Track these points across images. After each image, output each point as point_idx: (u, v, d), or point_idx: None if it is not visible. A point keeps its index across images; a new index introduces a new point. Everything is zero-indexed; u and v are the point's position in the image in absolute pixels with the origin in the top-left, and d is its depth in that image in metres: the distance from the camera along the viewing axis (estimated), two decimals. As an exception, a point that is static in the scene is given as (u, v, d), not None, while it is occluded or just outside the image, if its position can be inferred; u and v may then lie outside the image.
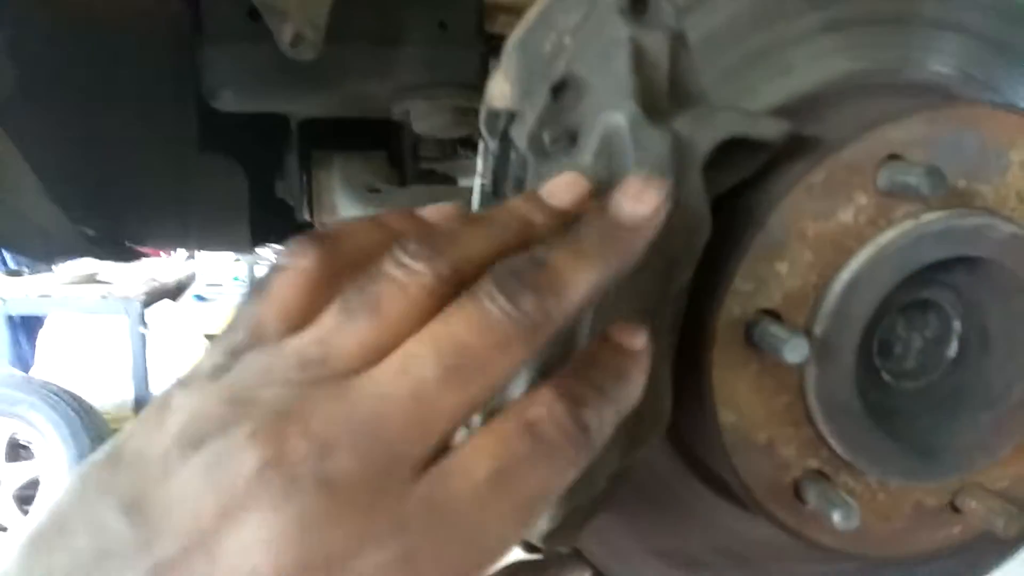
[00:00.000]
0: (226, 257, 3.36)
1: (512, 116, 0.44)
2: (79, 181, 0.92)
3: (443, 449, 0.27)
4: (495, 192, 0.47)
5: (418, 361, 0.26)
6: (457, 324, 0.27)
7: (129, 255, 1.04)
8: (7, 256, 3.89)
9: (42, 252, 0.92)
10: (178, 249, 3.49)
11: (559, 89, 0.40)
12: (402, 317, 0.27)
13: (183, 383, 0.27)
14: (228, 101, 0.83)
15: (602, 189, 0.39)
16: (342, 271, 0.29)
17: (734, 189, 0.42)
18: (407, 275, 0.27)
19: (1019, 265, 0.42)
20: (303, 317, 0.28)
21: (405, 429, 0.25)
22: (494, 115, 0.46)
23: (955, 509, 0.46)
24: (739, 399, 0.42)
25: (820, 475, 0.44)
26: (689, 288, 0.41)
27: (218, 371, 0.26)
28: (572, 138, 0.40)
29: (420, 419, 0.25)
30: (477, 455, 0.26)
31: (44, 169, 0.83)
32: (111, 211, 0.95)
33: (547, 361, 0.41)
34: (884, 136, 0.41)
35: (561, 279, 0.29)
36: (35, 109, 0.85)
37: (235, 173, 0.94)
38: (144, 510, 0.23)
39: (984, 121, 0.42)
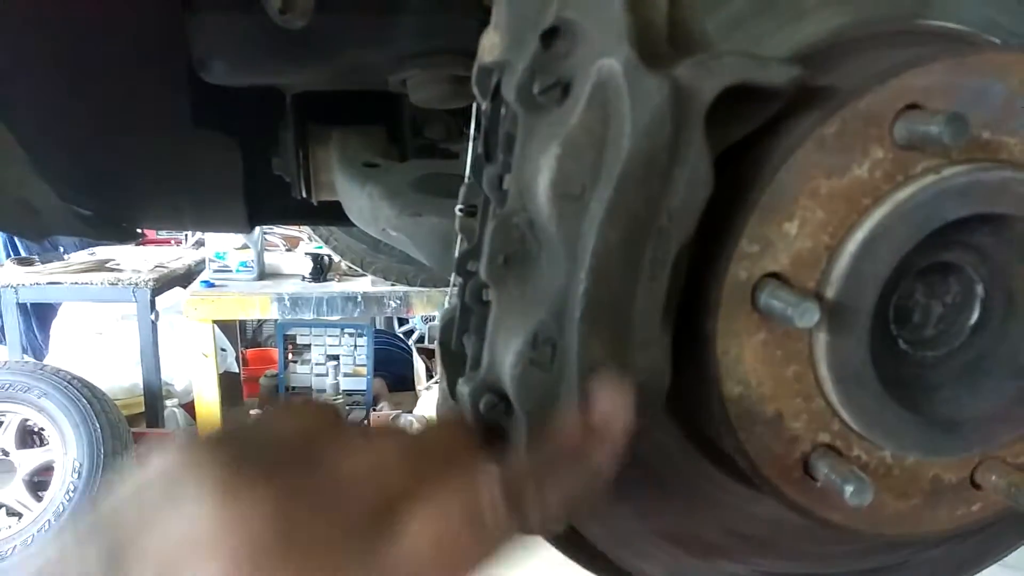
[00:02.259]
0: (234, 242, 3.35)
1: (503, 70, 0.42)
2: (71, 160, 0.90)
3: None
4: (487, 156, 0.45)
5: None
6: None
7: (125, 235, 1.02)
8: (19, 244, 3.90)
9: (31, 229, 0.91)
10: (175, 229, 3.49)
11: (550, 36, 0.38)
12: None
13: None
14: (219, 73, 0.81)
15: (596, 147, 0.36)
16: None
17: (739, 143, 0.39)
18: None
19: (1048, 223, 0.39)
20: None
21: None
22: (485, 71, 0.43)
23: (975, 485, 0.43)
24: (745, 370, 0.40)
25: (831, 450, 0.41)
26: (691, 251, 0.38)
27: None
28: (564, 89, 0.38)
29: None
30: (420, 533, 0.32)
31: (35, 147, 0.81)
32: (104, 190, 0.93)
33: (538, 330, 0.39)
34: (903, 84, 0.38)
35: None
36: (24, 85, 0.83)
37: (230, 150, 0.92)
38: None
39: (1011, 69, 0.39)
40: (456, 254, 0.47)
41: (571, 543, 0.51)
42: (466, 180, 0.49)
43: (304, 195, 0.96)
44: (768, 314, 0.38)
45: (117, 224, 0.97)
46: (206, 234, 3.44)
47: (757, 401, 0.40)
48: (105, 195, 0.92)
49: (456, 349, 0.51)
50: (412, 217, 0.72)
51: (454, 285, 0.48)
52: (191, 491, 0.29)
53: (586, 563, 0.51)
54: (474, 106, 0.45)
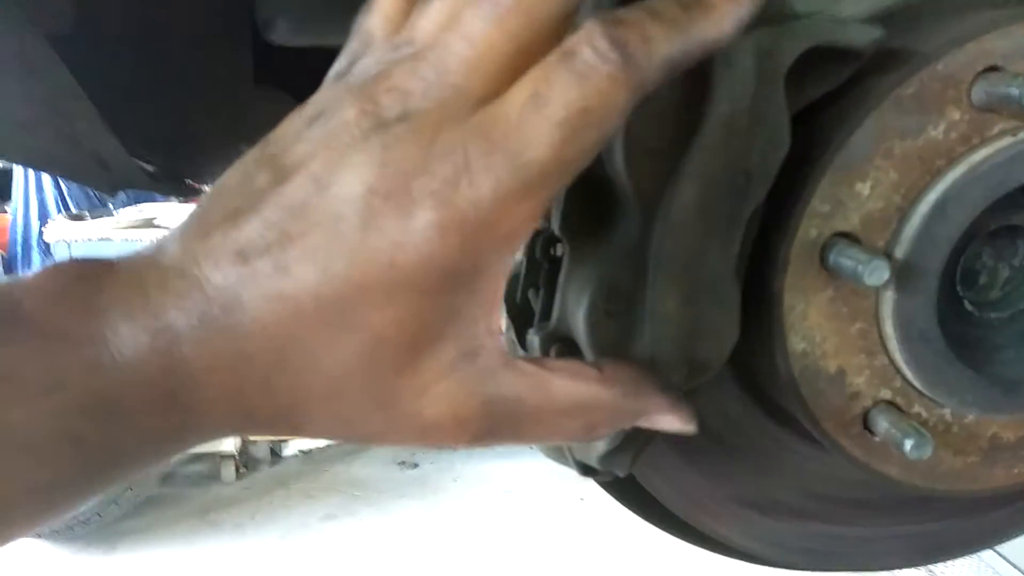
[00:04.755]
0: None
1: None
2: (136, 114, 0.93)
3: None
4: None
5: (471, 20, 0.30)
6: None
7: (188, 191, 1.05)
8: (70, 200, 4.02)
9: (100, 182, 0.94)
10: None
11: None
12: None
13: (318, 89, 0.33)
14: (282, 33, 0.82)
15: (678, 104, 0.37)
16: None
17: (815, 104, 0.39)
18: None
19: (1123, 188, 0.39)
20: (403, 20, 0.33)
21: (466, 71, 0.30)
22: None
23: (1034, 445, 0.44)
24: (811, 326, 0.41)
25: (892, 406, 0.42)
26: (763, 209, 0.39)
27: (339, 75, 0.34)
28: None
29: (476, 62, 0.30)
30: (520, 84, 0.30)
31: (102, 101, 0.83)
32: (168, 145, 0.96)
33: (612, 283, 0.40)
34: (984, 47, 0.38)
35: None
36: (93, 42, 0.86)
37: (289, 106, 0.94)
38: (276, 162, 0.31)
39: None
40: None
41: (641, 504, 0.52)
42: None
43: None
44: (837, 272, 0.39)
45: (181, 180, 1.00)
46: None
47: (820, 357, 0.41)
48: (170, 151, 0.95)
49: (521, 304, 0.53)
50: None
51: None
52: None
53: (657, 522, 0.53)
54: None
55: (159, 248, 0.32)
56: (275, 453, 3.59)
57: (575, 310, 0.42)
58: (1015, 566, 2.52)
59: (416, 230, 0.29)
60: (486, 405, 0.33)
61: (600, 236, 0.41)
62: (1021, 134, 0.38)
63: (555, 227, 0.42)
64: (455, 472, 3.48)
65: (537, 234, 0.49)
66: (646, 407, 0.37)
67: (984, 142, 0.39)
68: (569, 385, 0.35)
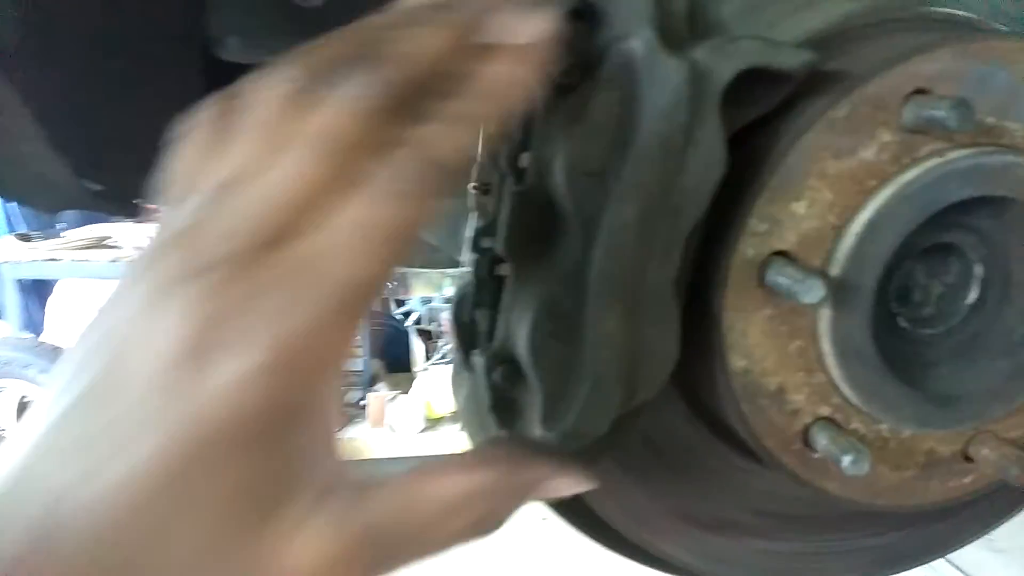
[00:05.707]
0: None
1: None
2: (83, 134, 0.91)
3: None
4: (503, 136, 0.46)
5: (279, 158, 0.29)
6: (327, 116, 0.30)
7: (135, 210, 1.03)
8: (16, 221, 3.90)
9: (45, 202, 0.92)
10: None
11: (571, 18, 0.39)
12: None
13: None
14: (233, 50, 0.82)
15: (615, 126, 0.37)
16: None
17: (751, 125, 0.40)
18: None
19: (1047, 207, 0.41)
20: (211, 163, 0.31)
21: (275, 208, 0.29)
22: None
23: (968, 458, 0.45)
24: (751, 344, 0.41)
25: (830, 422, 0.43)
26: (701, 229, 0.40)
27: (158, 230, 0.32)
28: (584, 70, 0.39)
29: (284, 198, 0.29)
30: (329, 214, 0.29)
31: (48, 121, 0.81)
32: (116, 165, 0.94)
33: (554, 304, 0.40)
34: (911, 70, 0.39)
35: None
36: (39, 59, 0.84)
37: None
38: (88, 344, 0.29)
39: (1016, 56, 0.40)
40: (469, 232, 0.48)
41: (587, 522, 0.52)
42: (479, 159, 0.51)
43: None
44: (774, 290, 0.40)
45: (129, 200, 0.98)
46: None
47: (760, 375, 0.42)
48: (118, 171, 0.93)
49: (469, 323, 0.53)
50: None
51: (468, 262, 0.49)
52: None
53: (603, 542, 0.53)
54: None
55: None
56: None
57: (519, 331, 0.41)
58: (963, 572, 2.59)
59: (231, 381, 0.27)
60: (365, 535, 0.30)
61: (543, 257, 0.41)
62: (948, 155, 0.39)
63: (499, 247, 0.42)
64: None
65: (484, 252, 0.49)
66: (533, 478, 0.36)
67: (914, 162, 0.40)
68: (443, 484, 0.33)
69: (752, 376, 0.42)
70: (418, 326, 4.08)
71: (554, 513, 0.51)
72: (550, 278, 0.40)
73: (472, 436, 0.48)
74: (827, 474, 0.43)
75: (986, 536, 0.57)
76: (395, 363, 3.75)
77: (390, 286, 3.21)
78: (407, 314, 4.35)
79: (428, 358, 3.75)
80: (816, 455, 0.43)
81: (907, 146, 0.40)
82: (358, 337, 3.39)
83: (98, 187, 0.95)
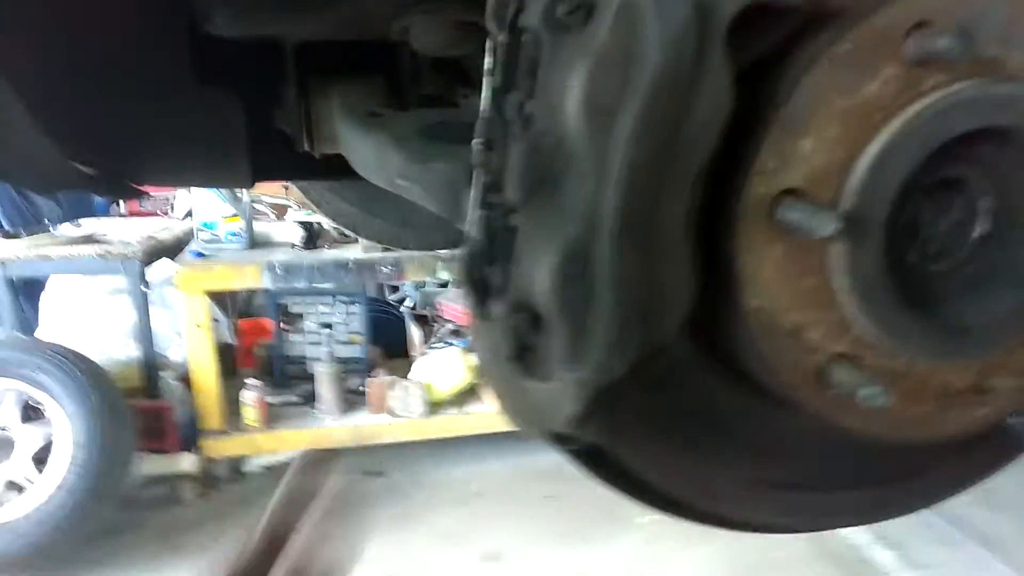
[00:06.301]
0: (223, 212, 3.33)
1: (522, 2, 0.43)
2: (74, 117, 0.90)
3: None
4: (505, 87, 0.46)
5: None
6: None
7: (128, 192, 1.02)
8: (2, 219, 3.85)
9: (35, 183, 0.91)
10: (178, 186, 3.44)
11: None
12: None
13: None
14: (222, 24, 0.81)
15: (623, 59, 0.37)
16: None
17: (756, 63, 0.40)
18: None
19: (1051, 136, 0.41)
20: None
21: None
22: (502, 3, 0.44)
23: (981, 391, 0.46)
24: (765, 282, 0.42)
25: (846, 358, 0.43)
26: (711, 169, 0.40)
27: None
28: (588, 11, 0.39)
29: None
30: None
31: (39, 106, 0.80)
32: (107, 147, 0.93)
33: (569, 248, 0.40)
34: (912, 3, 0.39)
35: None
36: (27, 43, 0.83)
37: (232, 105, 0.92)
38: None
39: None
40: (475, 191, 0.48)
41: (606, 468, 0.52)
42: (483, 114, 0.51)
43: (307, 148, 0.97)
44: (786, 227, 0.40)
45: (120, 181, 0.97)
46: (194, 204, 3.41)
47: (775, 313, 0.42)
48: (108, 152, 0.92)
49: (481, 280, 0.53)
50: (421, 164, 0.73)
51: (474, 220, 0.49)
52: None
53: (622, 488, 0.53)
54: (488, 41, 0.46)
55: None
56: (237, 470, 3.50)
57: (537, 277, 0.41)
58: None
59: None
60: None
61: (554, 202, 0.41)
62: (952, 87, 0.40)
63: (510, 195, 0.42)
64: (421, 479, 3.46)
65: (493, 208, 0.49)
66: None
67: (919, 96, 0.40)
68: None
69: (767, 315, 0.42)
70: (413, 311, 4.08)
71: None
72: (564, 222, 0.40)
73: (494, 387, 0.48)
74: (845, 409, 0.44)
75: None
76: (392, 349, 3.75)
77: (385, 271, 3.19)
78: (401, 300, 4.35)
79: (425, 342, 3.75)
80: (834, 392, 0.43)
81: (911, 79, 0.40)
82: (357, 324, 3.35)
83: (89, 170, 0.94)
